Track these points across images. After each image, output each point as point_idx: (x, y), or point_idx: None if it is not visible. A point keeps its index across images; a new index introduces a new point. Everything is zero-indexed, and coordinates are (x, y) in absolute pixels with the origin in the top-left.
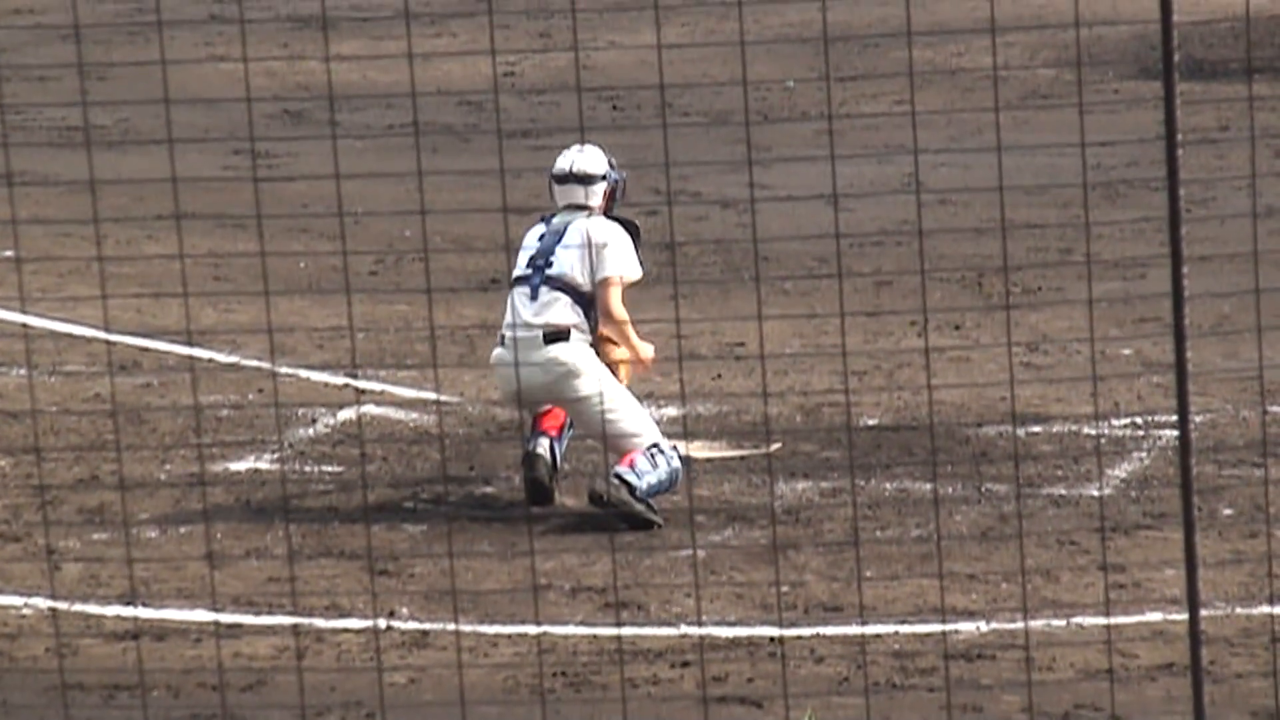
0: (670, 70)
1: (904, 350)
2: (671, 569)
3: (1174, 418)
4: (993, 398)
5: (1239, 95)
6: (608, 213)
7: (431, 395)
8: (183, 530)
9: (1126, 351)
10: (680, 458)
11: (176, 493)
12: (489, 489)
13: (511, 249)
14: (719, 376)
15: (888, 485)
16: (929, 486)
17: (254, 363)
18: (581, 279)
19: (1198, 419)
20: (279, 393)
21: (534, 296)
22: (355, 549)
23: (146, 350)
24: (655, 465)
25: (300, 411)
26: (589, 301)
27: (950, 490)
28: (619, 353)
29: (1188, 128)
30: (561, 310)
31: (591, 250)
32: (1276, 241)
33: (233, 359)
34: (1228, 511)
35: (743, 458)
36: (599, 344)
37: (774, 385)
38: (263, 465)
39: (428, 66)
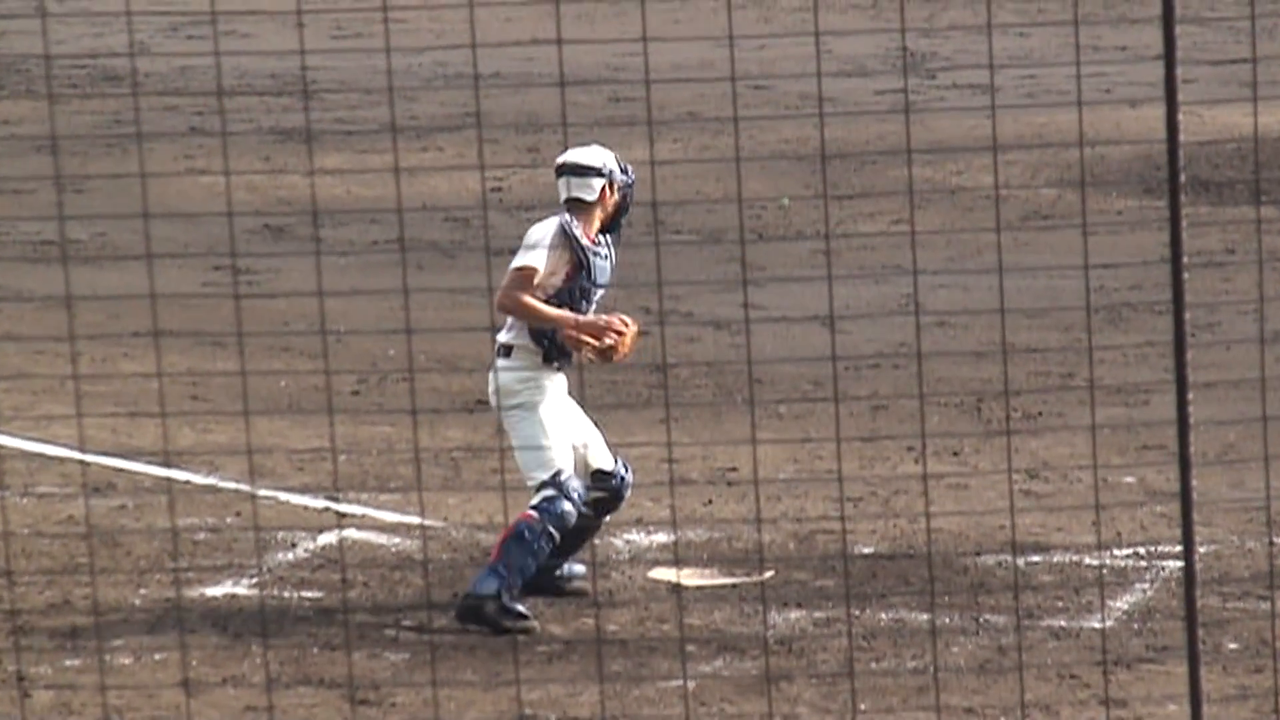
0: (662, 187)
1: (901, 476)
2: (661, 700)
3: (1178, 548)
4: (991, 526)
5: (1246, 217)
6: (617, 218)
7: (415, 519)
8: (158, 657)
9: (1129, 480)
10: (582, 502)
11: (151, 618)
12: None
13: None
14: (710, 502)
15: (883, 615)
16: (926, 617)
17: (232, 485)
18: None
19: (1202, 550)
20: (258, 516)
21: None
22: (335, 677)
23: (122, 471)
24: (523, 540)
25: (279, 535)
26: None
27: (947, 621)
28: (593, 346)
29: (1193, 250)
30: (512, 329)
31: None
32: None
33: (210, 481)
34: (1233, 645)
35: (734, 586)
36: (574, 347)
37: (767, 511)
38: (240, 590)
39: (413, 181)
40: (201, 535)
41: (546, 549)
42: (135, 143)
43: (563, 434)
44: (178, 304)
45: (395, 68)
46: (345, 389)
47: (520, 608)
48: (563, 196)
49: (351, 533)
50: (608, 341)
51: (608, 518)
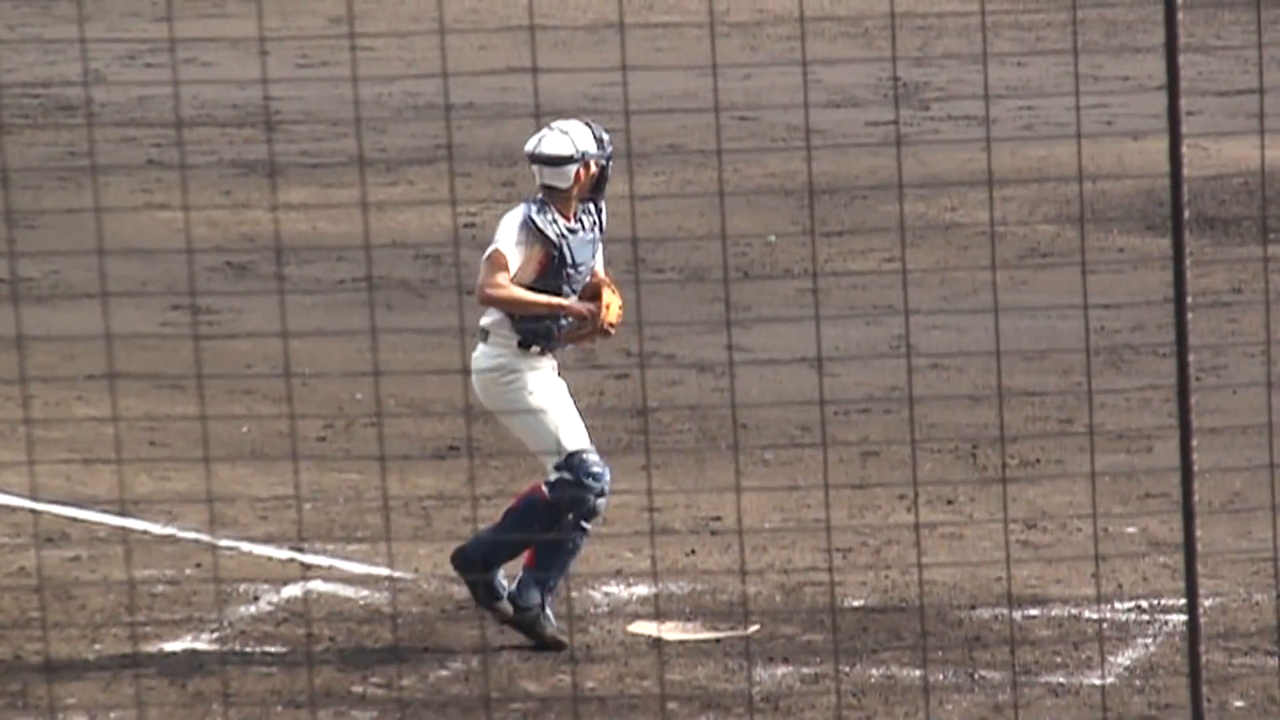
0: (643, 223)
1: (892, 526)
2: None
3: (1182, 601)
4: (987, 578)
5: (1253, 256)
6: (593, 196)
7: (384, 571)
8: (113, 716)
9: (1131, 529)
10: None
11: (107, 675)
12: (444, 672)
13: (471, 412)
14: (693, 552)
15: (874, 671)
16: (918, 673)
17: (192, 535)
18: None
19: (1207, 603)
20: (219, 567)
21: None
22: None
23: (76, 521)
24: (525, 518)
25: (241, 588)
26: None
27: (941, 677)
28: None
29: (1198, 290)
30: (493, 314)
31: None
32: None
33: (169, 530)
34: (1239, 703)
35: (718, 640)
36: (570, 338)
37: (752, 562)
38: (200, 646)
39: (382, 217)
40: (160, 588)
41: (578, 542)
42: (90, 176)
43: (564, 407)
44: (135, 345)
45: (363, 98)
46: (311, 434)
47: (504, 588)
48: (536, 183)
49: (317, 585)
50: (603, 317)
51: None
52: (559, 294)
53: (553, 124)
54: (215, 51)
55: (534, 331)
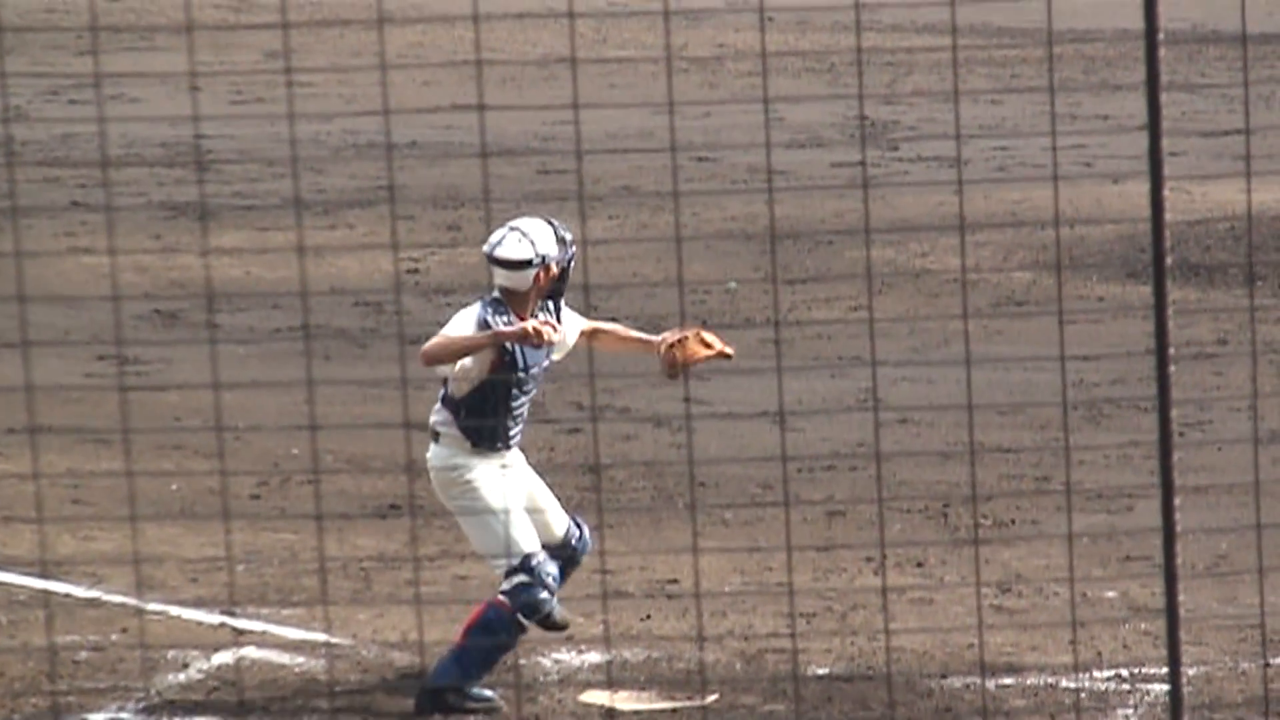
0: (597, 269)
1: (859, 590)
2: None
3: (1164, 670)
4: (959, 645)
5: (1239, 305)
6: (555, 294)
7: (321, 637)
8: None
9: (1111, 594)
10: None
11: None
12: None
13: (414, 469)
14: (648, 617)
15: None
16: None
17: (118, 598)
18: (454, 387)
19: (1190, 671)
20: (146, 633)
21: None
22: None
23: None
24: (491, 629)
25: (170, 655)
26: (471, 405)
27: None
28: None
29: (1181, 341)
30: (441, 413)
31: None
32: None
33: (93, 594)
34: None
35: (674, 710)
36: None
37: (711, 628)
38: (126, 716)
39: (320, 262)
40: (83, 654)
41: (515, 639)
42: (10, 218)
43: (517, 509)
44: (58, 397)
45: (300, 136)
46: (244, 492)
47: (485, 691)
48: (493, 283)
49: (250, 651)
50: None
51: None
52: (507, 400)
53: (513, 223)
54: (144, 87)
55: (479, 431)
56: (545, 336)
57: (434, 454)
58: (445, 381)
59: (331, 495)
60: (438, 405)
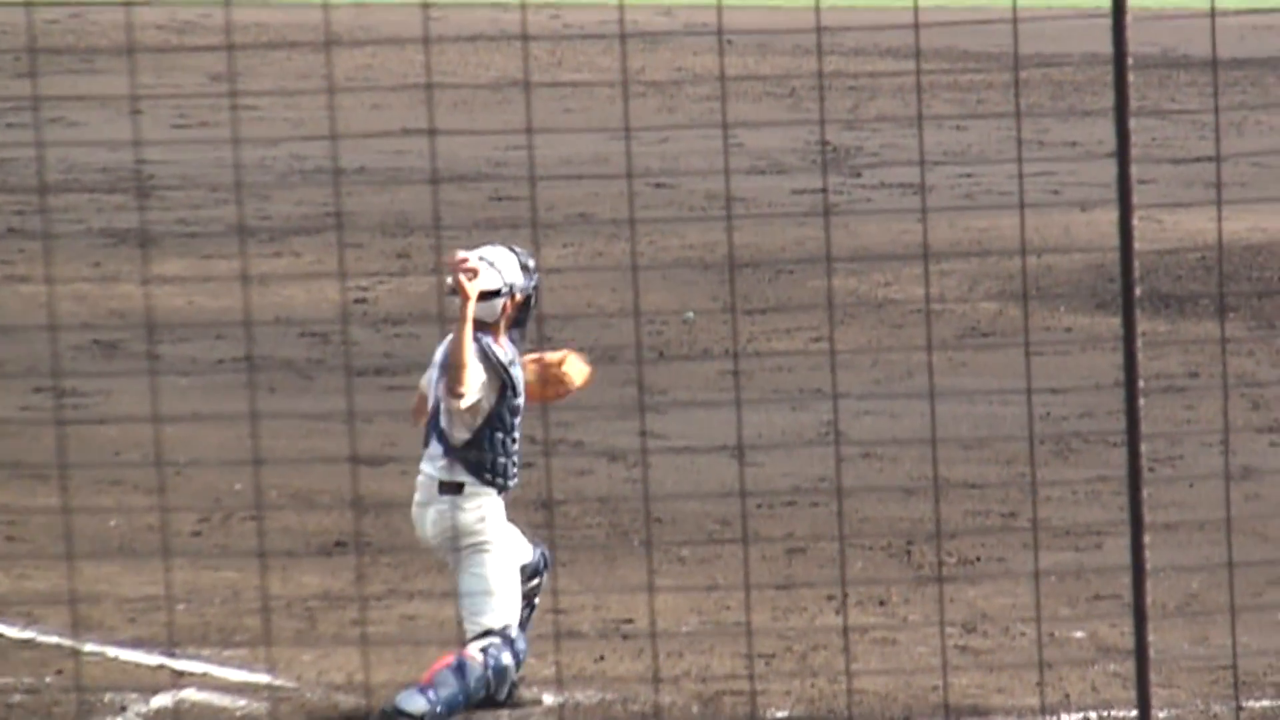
0: (550, 298)
1: (819, 629)
2: None
3: (1134, 713)
4: (923, 686)
5: (1210, 336)
6: (520, 323)
7: (264, 678)
8: None
9: (1079, 634)
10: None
11: None
12: None
13: (361, 504)
14: (602, 658)
15: None
16: None
17: (53, 639)
18: (458, 433)
19: (1161, 714)
20: (82, 674)
21: (428, 440)
22: None
23: None
24: (462, 676)
25: (107, 697)
26: (478, 446)
27: None
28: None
29: (1151, 373)
30: (451, 467)
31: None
32: (1252, 508)
33: (28, 634)
34: None
35: None
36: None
37: (667, 669)
38: None
39: (265, 291)
40: (16, 697)
41: (479, 694)
42: None
43: (516, 577)
44: None
45: (245, 161)
46: (185, 528)
47: None
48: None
49: (190, 694)
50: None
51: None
52: (511, 432)
53: (479, 253)
54: (84, 111)
55: (495, 471)
56: (462, 281)
57: (463, 507)
58: (440, 435)
59: (275, 532)
60: (443, 461)
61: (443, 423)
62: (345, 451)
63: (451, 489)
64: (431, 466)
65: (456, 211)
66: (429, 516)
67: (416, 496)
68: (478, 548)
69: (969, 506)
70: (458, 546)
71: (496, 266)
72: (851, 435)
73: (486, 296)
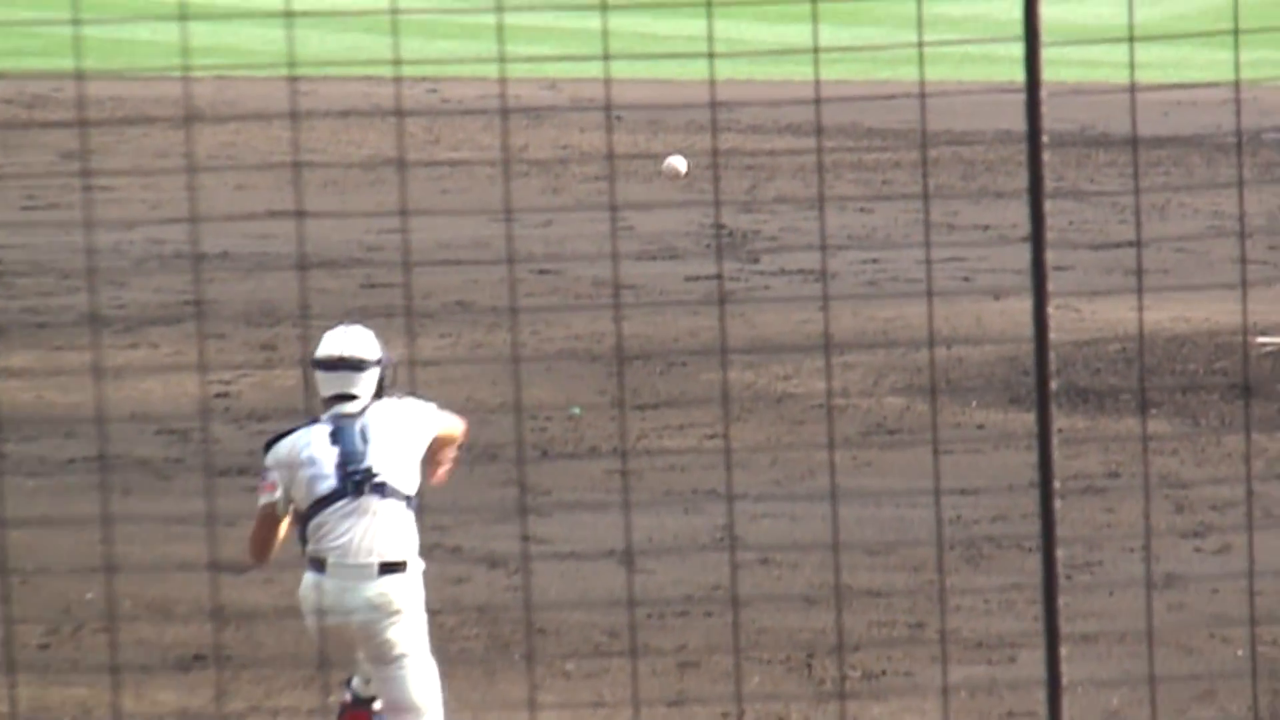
0: (427, 392)
1: None
2: None
3: None
4: None
5: (1130, 433)
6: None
7: None
8: None
9: None
10: None
11: None
12: None
13: (221, 615)
14: None
15: None
16: None
17: None
18: (407, 484)
19: None
20: None
21: (360, 513)
22: None
23: None
24: None
25: None
26: (413, 513)
27: None
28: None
29: (1067, 473)
30: (396, 533)
31: (406, 441)
32: (1176, 617)
33: None
34: None
35: None
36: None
37: None
38: None
39: (120, 385)
40: None
41: None
42: None
43: None
44: None
45: (99, 245)
46: (31, 640)
47: None
48: (328, 393)
49: None
50: None
51: None
52: None
53: (339, 328)
54: None
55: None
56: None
57: (401, 586)
58: (407, 501)
59: (129, 644)
60: (403, 526)
61: (389, 476)
62: (205, 557)
63: (399, 567)
64: (367, 542)
65: (326, 299)
66: (361, 606)
67: (329, 586)
68: (424, 634)
69: (874, 617)
70: (414, 638)
71: (368, 336)
72: (748, 540)
73: (362, 366)
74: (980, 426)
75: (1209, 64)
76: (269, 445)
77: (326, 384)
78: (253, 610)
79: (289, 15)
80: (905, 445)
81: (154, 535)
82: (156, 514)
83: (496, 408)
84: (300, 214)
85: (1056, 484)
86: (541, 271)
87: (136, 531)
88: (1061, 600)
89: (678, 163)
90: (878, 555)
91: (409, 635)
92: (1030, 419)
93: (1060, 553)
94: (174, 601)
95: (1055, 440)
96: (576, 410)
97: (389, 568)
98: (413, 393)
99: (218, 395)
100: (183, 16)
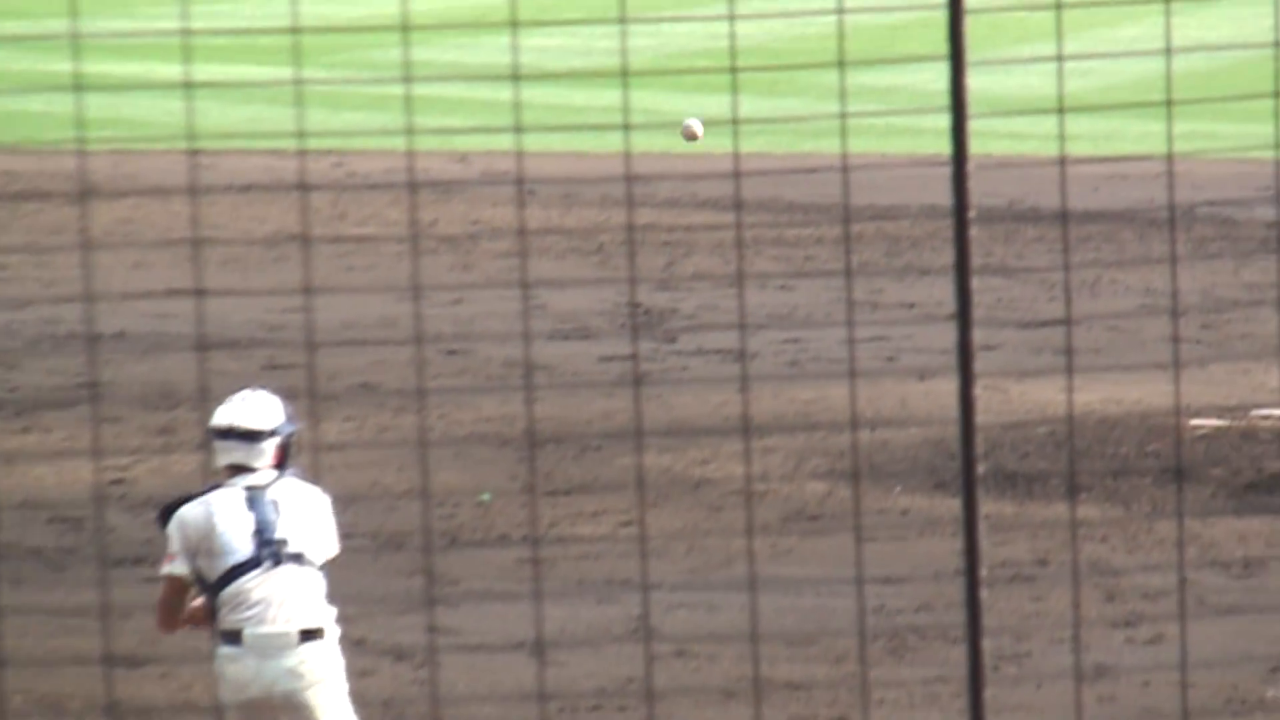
0: (330, 478)
1: None
2: None
3: None
4: None
5: (1060, 519)
6: (280, 470)
7: None
8: None
9: None
10: None
11: None
12: None
13: (116, 711)
14: None
15: None
16: None
17: None
18: (319, 556)
19: None
20: None
21: (276, 581)
22: None
23: None
24: None
25: None
26: (325, 583)
27: None
28: None
29: (995, 561)
30: (312, 601)
31: (315, 519)
32: (1107, 710)
33: None
34: None
35: None
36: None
37: None
38: None
39: (11, 471)
40: None
41: None
42: None
43: None
44: None
45: None
46: None
47: None
48: (225, 463)
49: None
50: None
51: None
52: None
53: (240, 394)
54: None
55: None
56: None
57: (321, 654)
58: (321, 571)
59: None
60: (318, 594)
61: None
62: (99, 651)
63: (317, 634)
64: (285, 610)
65: (226, 381)
66: (282, 675)
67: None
68: (346, 704)
69: (794, 710)
70: (335, 692)
71: (270, 404)
72: (664, 631)
73: (257, 437)
74: (904, 512)
75: (1141, 136)
76: (166, 512)
77: (222, 453)
78: (149, 705)
79: (189, 86)
80: (827, 532)
81: (46, 628)
82: (48, 606)
83: (403, 493)
84: (200, 292)
85: (983, 572)
86: (450, 352)
87: (27, 624)
88: (988, 693)
89: (696, 126)
90: (798, 646)
91: (332, 703)
92: (955, 504)
93: (987, 643)
94: (67, 697)
95: (982, 527)
96: (486, 496)
97: (308, 635)
98: (315, 480)
99: (113, 482)
100: (78, 88)
